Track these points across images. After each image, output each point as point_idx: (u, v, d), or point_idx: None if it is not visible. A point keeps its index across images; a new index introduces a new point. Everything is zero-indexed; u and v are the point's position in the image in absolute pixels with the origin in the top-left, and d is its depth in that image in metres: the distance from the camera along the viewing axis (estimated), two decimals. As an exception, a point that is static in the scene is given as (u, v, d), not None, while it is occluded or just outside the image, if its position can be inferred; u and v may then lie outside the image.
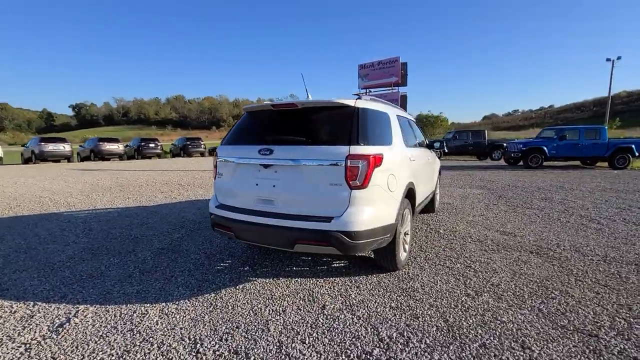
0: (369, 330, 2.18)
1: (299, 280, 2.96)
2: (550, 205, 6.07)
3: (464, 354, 1.92)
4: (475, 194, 7.42)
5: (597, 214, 5.28)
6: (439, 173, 5.90)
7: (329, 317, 2.35)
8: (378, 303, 2.53)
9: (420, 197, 3.93)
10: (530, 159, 13.38)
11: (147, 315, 2.37)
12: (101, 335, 2.13)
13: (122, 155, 22.00)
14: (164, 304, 2.54)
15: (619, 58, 28.63)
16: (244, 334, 2.15)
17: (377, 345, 2.01)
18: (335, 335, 2.12)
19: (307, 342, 2.06)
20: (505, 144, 16.78)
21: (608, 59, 28.86)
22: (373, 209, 2.59)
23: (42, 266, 3.30)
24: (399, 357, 1.90)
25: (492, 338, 2.07)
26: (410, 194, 3.34)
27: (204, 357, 1.92)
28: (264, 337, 2.11)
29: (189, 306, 2.51)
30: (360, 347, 2.00)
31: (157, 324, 2.26)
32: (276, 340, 2.08)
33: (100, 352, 1.97)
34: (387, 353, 1.94)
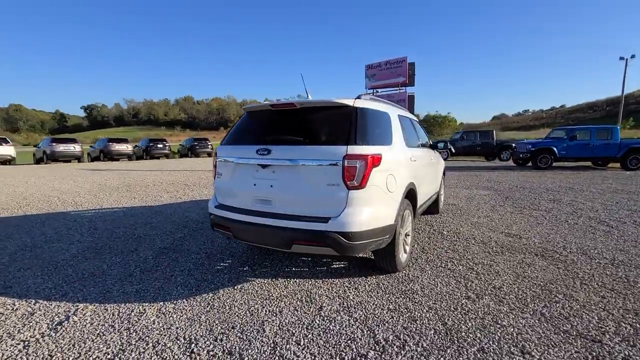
0: (365, 332, 2.15)
1: (297, 281, 2.94)
2: (559, 206, 5.94)
3: (461, 358, 1.88)
4: (482, 195, 7.31)
5: (606, 216, 5.15)
6: (444, 174, 5.83)
7: (325, 318, 2.32)
8: (376, 305, 2.49)
9: (423, 198, 3.88)
10: (540, 159, 13.10)
11: (145, 315, 2.39)
12: (98, 334, 2.15)
13: (131, 156, 22.31)
14: (162, 303, 2.56)
15: (632, 57, 27.89)
16: (239, 334, 2.14)
17: (373, 348, 1.98)
18: (330, 337, 2.10)
19: (302, 343, 2.04)
20: (514, 145, 16.49)
21: (621, 58, 28.18)
22: (371, 210, 2.56)
23: (46, 264, 3.36)
24: (394, 360, 1.87)
25: (491, 342, 2.02)
26: (411, 194, 3.30)
27: (197, 357, 1.92)
28: (258, 338, 2.10)
29: (186, 306, 2.52)
30: (355, 350, 1.97)
31: (153, 323, 2.27)
32: (271, 341, 2.07)
33: (96, 351, 1.98)
34: (383, 356, 1.91)
